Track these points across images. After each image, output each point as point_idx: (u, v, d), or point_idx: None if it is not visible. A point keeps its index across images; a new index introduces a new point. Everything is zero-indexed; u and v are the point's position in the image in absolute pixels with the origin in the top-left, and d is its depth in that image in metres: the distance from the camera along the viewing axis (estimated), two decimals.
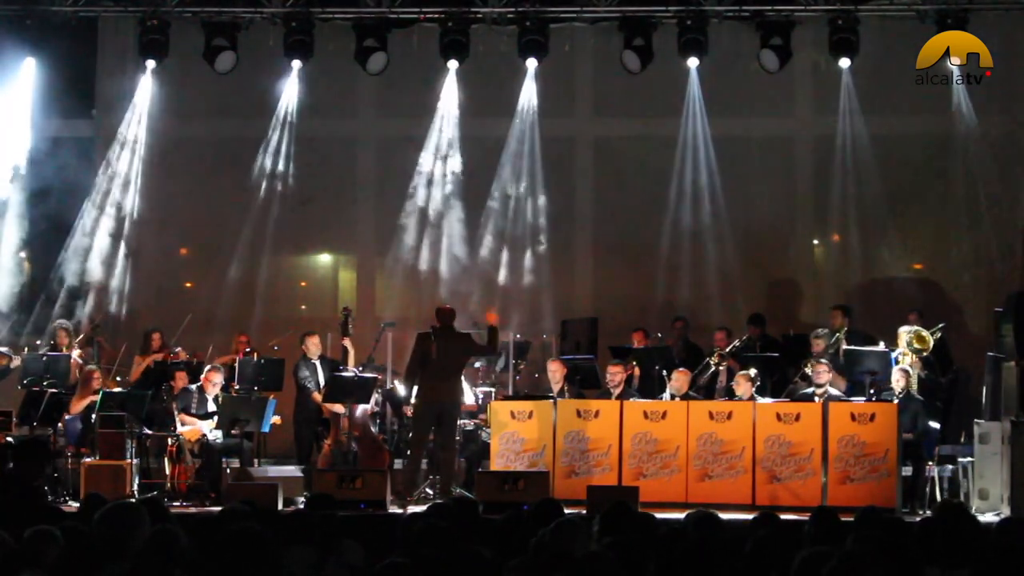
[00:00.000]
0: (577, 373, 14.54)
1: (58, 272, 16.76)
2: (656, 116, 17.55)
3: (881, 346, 14.37)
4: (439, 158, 17.11)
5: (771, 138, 17.94)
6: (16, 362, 14.34)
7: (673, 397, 13.75)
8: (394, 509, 12.50)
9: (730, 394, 14.05)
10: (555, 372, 14.23)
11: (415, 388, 13.34)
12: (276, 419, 14.15)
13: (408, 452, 13.59)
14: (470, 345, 13.62)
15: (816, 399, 13.44)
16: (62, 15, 15.86)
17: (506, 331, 15.77)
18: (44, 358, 14.13)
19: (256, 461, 14.18)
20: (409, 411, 13.82)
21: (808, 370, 14.30)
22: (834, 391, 13.67)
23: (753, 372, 13.80)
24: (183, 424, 13.70)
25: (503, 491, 12.40)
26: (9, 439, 13.11)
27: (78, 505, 11.06)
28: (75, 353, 14.75)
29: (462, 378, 13.62)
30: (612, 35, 16.28)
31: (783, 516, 8.00)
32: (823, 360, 13.83)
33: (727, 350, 14.81)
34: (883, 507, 10.56)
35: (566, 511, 7.31)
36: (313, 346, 14.54)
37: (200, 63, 16.14)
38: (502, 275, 17.23)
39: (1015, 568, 5.41)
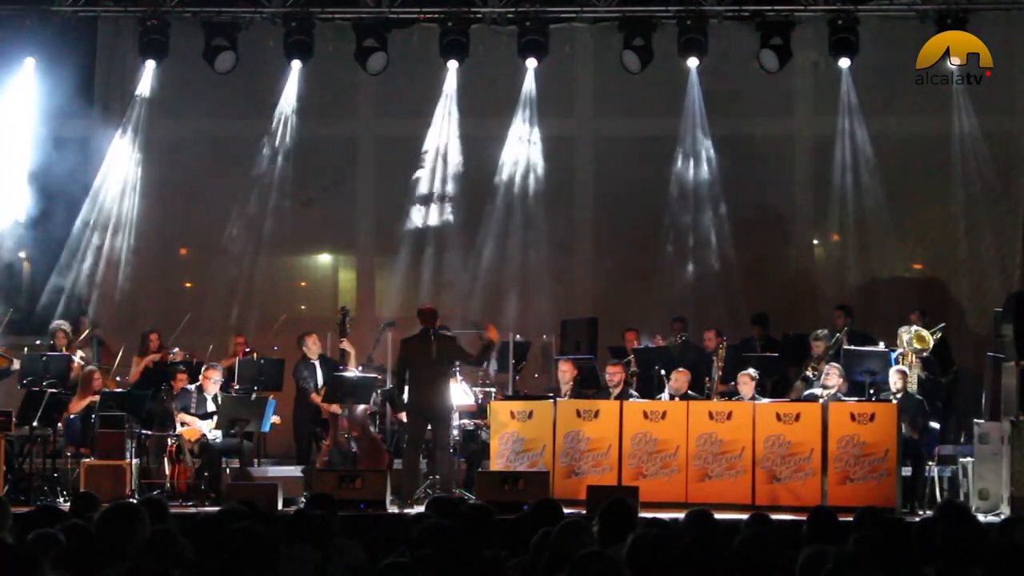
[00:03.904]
0: (577, 373, 14.53)
1: (58, 272, 16.75)
2: (656, 116, 17.53)
3: (881, 346, 14.36)
4: (439, 158, 17.10)
5: (771, 138, 17.92)
6: (17, 364, 14.34)
7: (672, 397, 13.74)
8: (394, 509, 12.50)
9: (730, 394, 14.04)
10: (565, 372, 14.20)
11: (404, 394, 13.26)
12: (276, 419, 14.15)
13: (405, 456, 13.54)
14: (455, 349, 13.47)
15: (821, 399, 13.42)
16: (62, 15, 15.87)
17: (506, 331, 15.80)
18: (44, 358, 14.09)
19: (256, 461, 14.19)
20: (403, 416, 13.80)
21: (810, 373, 14.30)
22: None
23: (754, 372, 13.79)
24: (182, 424, 13.69)
25: (503, 491, 12.38)
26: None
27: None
28: (77, 355, 14.75)
29: (449, 379, 13.45)
30: (612, 35, 16.29)
31: (783, 516, 8.01)
32: (836, 364, 13.78)
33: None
34: (883, 507, 10.55)
35: (566, 511, 7.30)
36: (313, 346, 14.54)
37: (200, 63, 16.15)
38: (502, 275, 17.22)
39: (1017, 569, 5.41)
